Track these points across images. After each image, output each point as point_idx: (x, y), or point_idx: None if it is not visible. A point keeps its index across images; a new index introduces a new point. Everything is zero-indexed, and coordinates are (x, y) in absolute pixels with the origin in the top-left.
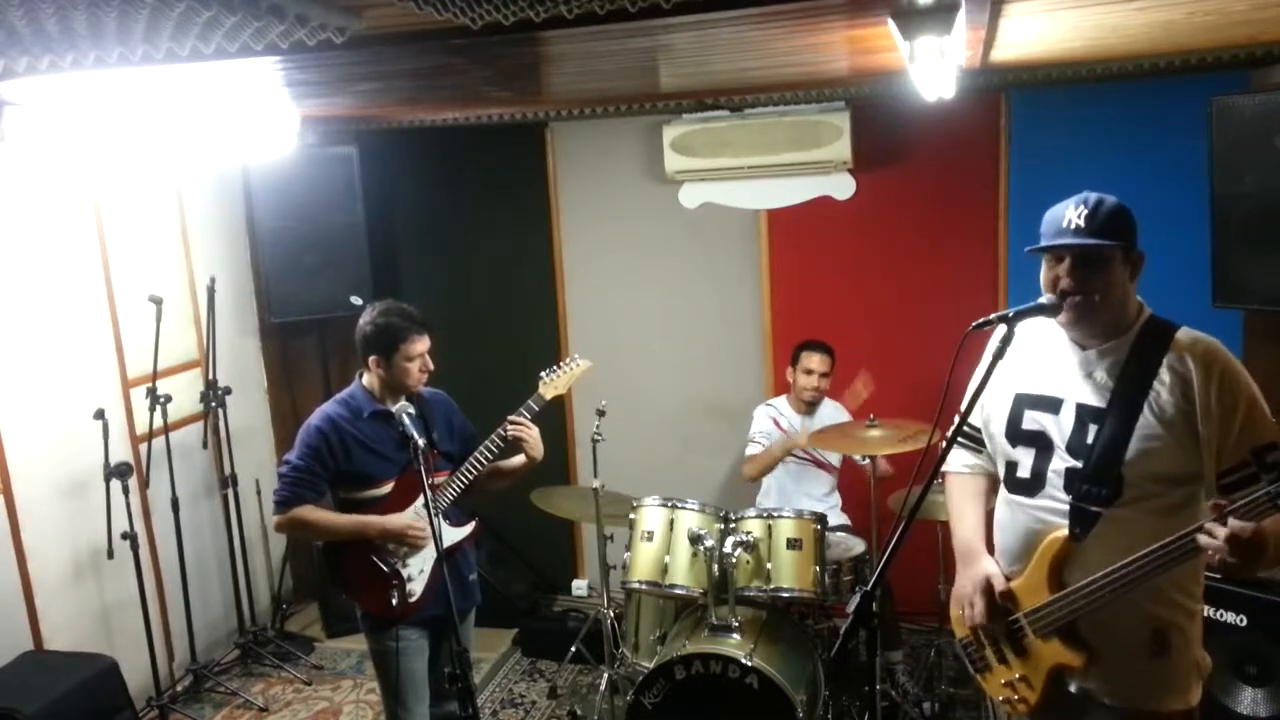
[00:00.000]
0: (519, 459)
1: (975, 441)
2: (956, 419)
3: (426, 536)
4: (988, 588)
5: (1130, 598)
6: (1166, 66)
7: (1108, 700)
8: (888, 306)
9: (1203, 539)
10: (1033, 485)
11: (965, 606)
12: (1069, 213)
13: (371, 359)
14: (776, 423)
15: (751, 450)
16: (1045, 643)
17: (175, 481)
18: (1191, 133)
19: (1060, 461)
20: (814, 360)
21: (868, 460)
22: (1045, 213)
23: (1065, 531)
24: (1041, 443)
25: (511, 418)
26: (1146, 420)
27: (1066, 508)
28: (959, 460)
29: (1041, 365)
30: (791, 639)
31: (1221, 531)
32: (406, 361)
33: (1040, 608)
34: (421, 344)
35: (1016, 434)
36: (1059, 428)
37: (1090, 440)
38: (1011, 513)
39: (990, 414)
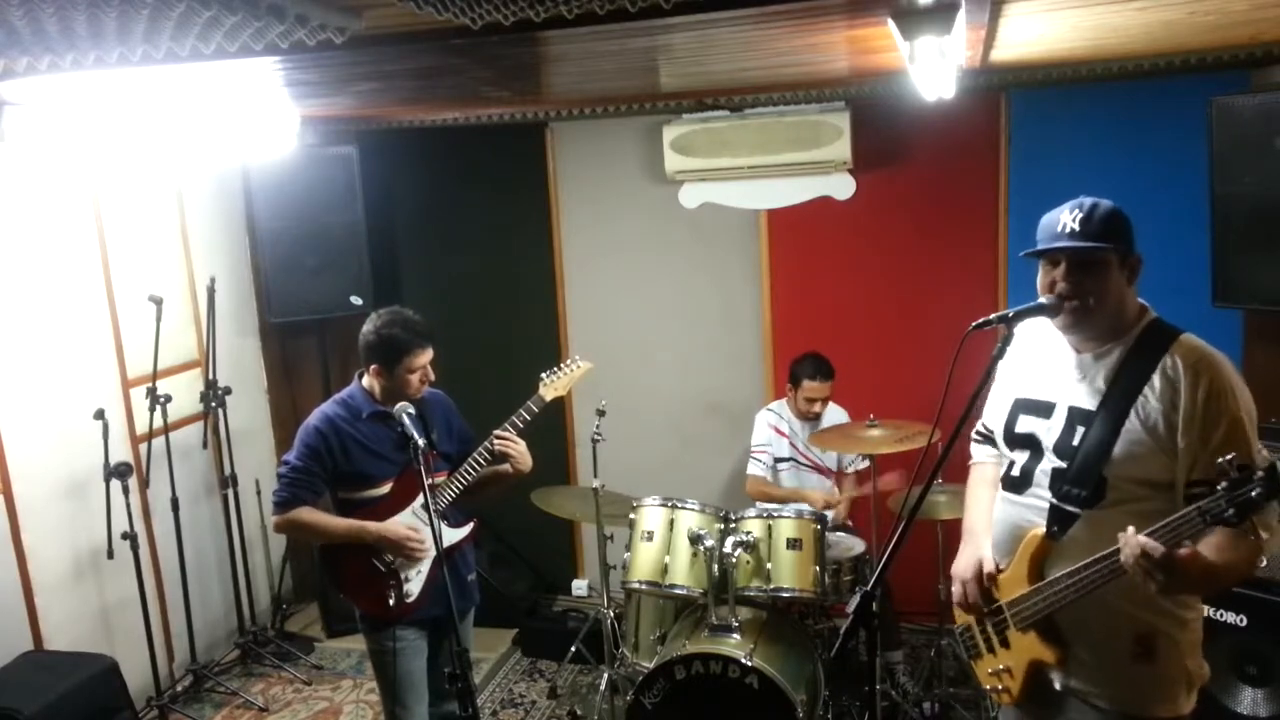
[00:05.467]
0: (506, 467)
1: (992, 439)
2: (979, 424)
3: (425, 549)
4: (977, 570)
5: (1109, 600)
6: (1166, 66)
7: (1091, 700)
8: (888, 306)
9: (1123, 554)
10: (1021, 483)
11: (955, 585)
12: (1064, 217)
13: (373, 367)
14: (777, 429)
15: (754, 470)
16: (1024, 636)
17: (175, 481)
18: (1191, 133)
19: (1049, 463)
20: (815, 390)
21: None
22: (1042, 216)
23: (1043, 529)
24: (1033, 445)
25: (497, 432)
26: (1132, 424)
27: (1047, 505)
28: (983, 452)
29: (1039, 370)
30: (791, 639)
31: (1133, 543)
32: (408, 374)
33: (1017, 600)
34: (424, 356)
35: (1011, 437)
36: (1049, 432)
37: (1076, 442)
38: (1002, 508)
39: (994, 415)
